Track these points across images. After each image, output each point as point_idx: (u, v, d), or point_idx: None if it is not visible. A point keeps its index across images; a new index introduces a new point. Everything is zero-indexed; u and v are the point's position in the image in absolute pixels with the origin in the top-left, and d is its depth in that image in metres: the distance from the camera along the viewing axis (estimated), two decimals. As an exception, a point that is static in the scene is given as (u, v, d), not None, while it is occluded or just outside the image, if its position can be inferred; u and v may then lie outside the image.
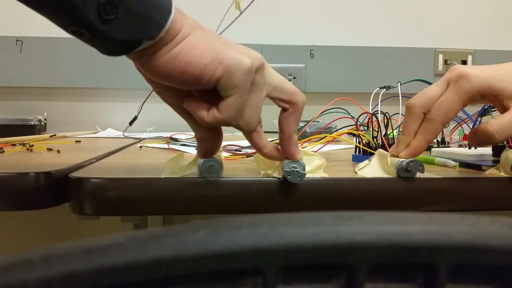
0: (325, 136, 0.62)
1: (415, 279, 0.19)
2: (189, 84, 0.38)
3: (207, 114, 0.40)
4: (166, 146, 0.73)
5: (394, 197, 0.46)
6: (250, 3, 0.52)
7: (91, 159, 0.56)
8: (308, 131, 0.85)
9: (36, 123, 1.07)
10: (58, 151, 0.66)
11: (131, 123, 1.01)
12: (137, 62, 0.39)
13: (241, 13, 0.48)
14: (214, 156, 0.45)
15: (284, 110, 0.43)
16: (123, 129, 1.04)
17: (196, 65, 0.37)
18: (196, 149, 0.46)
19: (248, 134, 0.42)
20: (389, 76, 1.24)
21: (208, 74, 0.37)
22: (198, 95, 0.41)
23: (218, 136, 0.44)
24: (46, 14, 0.35)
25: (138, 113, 0.99)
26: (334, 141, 0.64)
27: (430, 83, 0.50)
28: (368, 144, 0.58)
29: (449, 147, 0.70)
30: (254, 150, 0.46)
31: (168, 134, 0.85)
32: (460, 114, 0.63)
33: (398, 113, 0.60)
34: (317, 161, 0.47)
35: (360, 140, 0.59)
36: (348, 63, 1.34)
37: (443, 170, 0.53)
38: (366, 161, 0.50)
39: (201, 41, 0.38)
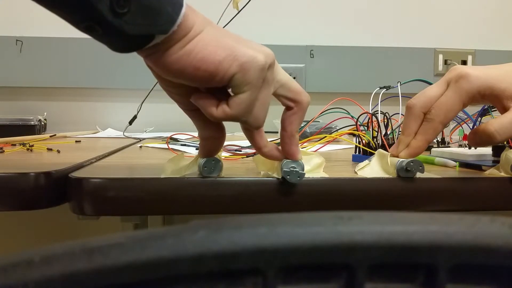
0: (325, 136, 0.62)
1: (415, 279, 0.19)
2: (203, 81, 0.38)
3: (216, 110, 0.39)
4: (166, 146, 0.73)
5: (394, 197, 0.46)
6: (248, 1, 0.52)
7: (91, 159, 0.56)
8: (308, 131, 0.85)
9: (36, 123, 1.07)
10: (58, 151, 0.66)
11: (131, 122, 1.01)
12: (149, 59, 0.39)
13: (238, 12, 0.48)
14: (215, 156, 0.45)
15: (288, 108, 0.43)
16: (123, 129, 1.03)
17: (211, 62, 0.37)
18: (196, 149, 0.46)
19: (252, 131, 0.42)
20: (389, 76, 1.24)
21: (223, 71, 0.37)
22: (205, 90, 0.41)
23: (222, 135, 0.44)
24: (59, 11, 0.35)
25: (138, 112, 0.99)
26: (334, 141, 0.64)
27: (430, 83, 0.50)
28: (368, 144, 0.58)
29: (449, 147, 0.70)
30: (254, 150, 0.46)
31: (168, 134, 0.85)
32: (460, 114, 0.63)
33: (398, 113, 0.60)
34: (316, 160, 0.47)
35: (360, 140, 0.59)
36: (348, 63, 1.34)
37: (443, 170, 0.53)
38: (366, 161, 0.50)
39: (214, 38, 0.38)
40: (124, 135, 1.03)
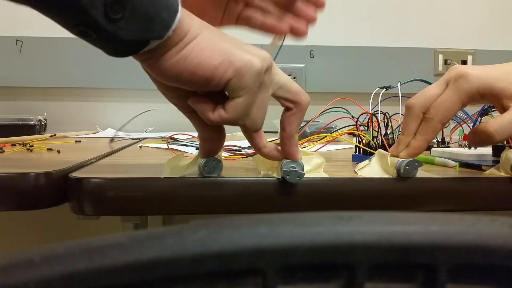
0: (325, 136, 0.62)
1: (415, 279, 0.19)
2: (199, 86, 0.38)
3: (212, 113, 0.39)
4: (166, 146, 0.73)
5: (394, 197, 0.46)
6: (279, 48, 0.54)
7: (91, 159, 0.56)
8: (308, 131, 0.85)
9: (36, 123, 1.07)
10: (58, 151, 0.66)
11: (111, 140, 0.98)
12: (145, 64, 0.38)
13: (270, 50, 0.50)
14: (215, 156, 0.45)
15: (287, 109, 0.43)
16: (123, 129, 1.03)
17: (207, 67, 0.37)
18: (196, 149, 0.46)
19: (251, 133, 0.42)
20: (389, 76, 1.24)
21: (219, 76, 0.37)
22: (202, 93, 0.41)
23: (222, 137, 0.44)
24: (52, 15, 0.35)
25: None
26: (334, 141, 0.64)
27: (430, 83, 0.50)
28: (368, 144, 0.58)
29: (449, 147, 0.70)
30: (254, 151, 0.46)
31: (168, 134, 0.85)
32: (460, 114, 0.63)
33: (398, 113, 0.60)
34: (316, 160, 0.47)
35: (360, 140, 0.59)
36: (348, 63, 1.34)
37: (443, 170, 0.53)
38: (366, 161, 0.50)
39: (210, 42, 0.38)
40: (116, 135, 1.02)
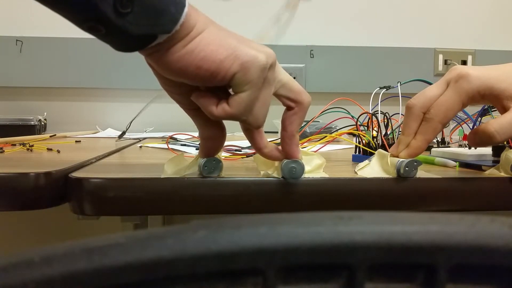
0: (325, 136, 0.62)
1: (415, 279, 0.19)
2: (204, 80, 0.38)
3: (216, 108, 0.40)
4: (166, 146, 0.73)
5: (394, 197, 0.46)
6: None
7: (91, 159, 0.56)
8: (308, 131, 0.85)
9: (36, 123, 1.07)
10: (58, 151, 0.66)
11: (120, 136, 0.99)
12: (151, 58, 0.39)
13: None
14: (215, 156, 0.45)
15: (289, 108, 0.43)
16: (123, 129, 1.03)
17: (213, 61, 0.37)
18: (196, 149, 0.46)
19: (252, 131, 0.42)
20: (389, 76, 1.24)
21: (224, 70, 0.37)
22: (205, 89, 0.41)
23: (222, 135, 0.44)
24: (62, 11, 0.35)
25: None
26: (334, 141, 0.64)
27: (430, 83, 0.50)
28: (368, 144, 0.58)
29: (449, 147, 0.70)
30: (254, 151, 0.46)
31: (168, 134, 0.85)
32: (460, 114, 0.63)
33: (398, 113, 0.60)
34: (316, 161, 0.47)
35: (360, 140, 0.59)
36: (348, 63, 1.34)
37: (443, 170, 0.53)
38: (366, 161, 0.50)
39: (216, 37, 0.38)
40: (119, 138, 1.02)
